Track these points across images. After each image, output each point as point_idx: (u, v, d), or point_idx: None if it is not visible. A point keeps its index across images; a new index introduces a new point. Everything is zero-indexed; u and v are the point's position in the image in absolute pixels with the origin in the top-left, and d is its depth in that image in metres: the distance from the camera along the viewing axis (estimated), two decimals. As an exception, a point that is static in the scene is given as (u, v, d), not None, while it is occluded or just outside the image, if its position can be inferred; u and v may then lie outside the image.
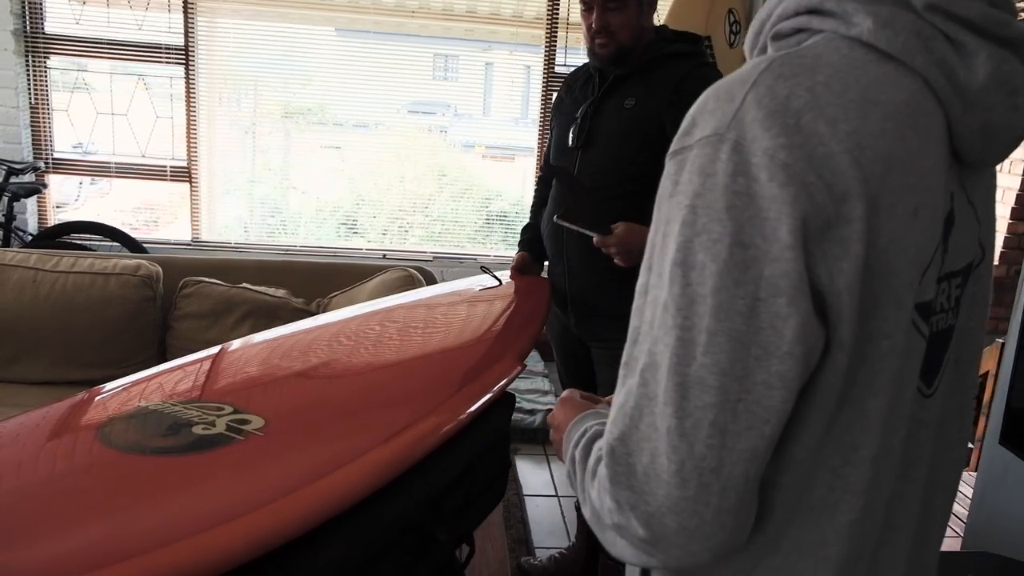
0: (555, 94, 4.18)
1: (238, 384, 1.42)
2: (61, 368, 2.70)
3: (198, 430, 1.18)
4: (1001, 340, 2.75)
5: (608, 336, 2.16)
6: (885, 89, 0.66)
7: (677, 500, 0.63)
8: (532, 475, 3.18)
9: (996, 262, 2.65)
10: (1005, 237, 4.17)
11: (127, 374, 2.66)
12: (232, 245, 4.20)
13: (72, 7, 3.83)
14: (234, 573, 0.95)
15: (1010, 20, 0.68)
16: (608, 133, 2.09)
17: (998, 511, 2.24)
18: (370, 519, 1.16)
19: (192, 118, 4.00)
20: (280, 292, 2.88)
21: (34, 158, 3.98)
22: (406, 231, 4.43)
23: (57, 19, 3.86)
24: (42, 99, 3.94)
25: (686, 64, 2.05)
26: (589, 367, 2.27)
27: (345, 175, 4.46)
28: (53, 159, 4.04)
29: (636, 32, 2.06)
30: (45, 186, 4.01)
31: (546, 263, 2.31)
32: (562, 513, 2.91)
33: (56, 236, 3.88)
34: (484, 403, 1.47)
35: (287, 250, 4.21)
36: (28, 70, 3.89)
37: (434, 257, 4.25)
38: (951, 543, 2.67)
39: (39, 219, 4.15)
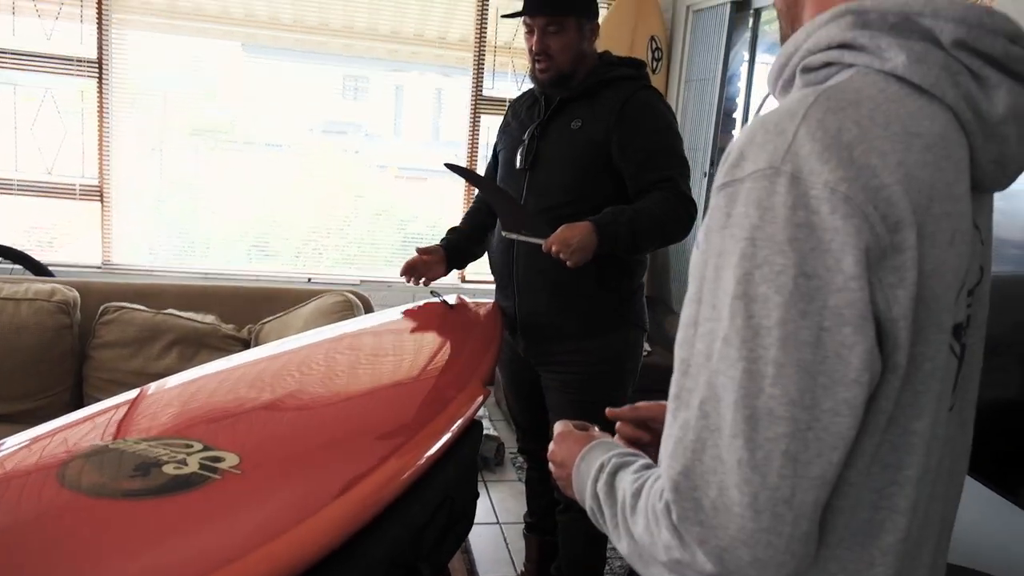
0: (483, 116, 4.21)
1: (201, 418, 1.34)
2: (-33, 401, 2.50)
3: (169, 469, 1.10)
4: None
5: (558, 360, 2.17)
6: (922, 122, 0.68)
7: (752, 532, 0.63)
8: (470, 502, 3.13)
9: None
10: None
11: (41, 407, 2.53)
12: (146, 269, 3.99)
13: (-28, 14, 3.59)
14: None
15: None
16: (555, 153, 2.11)
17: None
18: (358, 557, 1.11)
19: (104, 134, 3.80)
20: (208, 318, 2.75)
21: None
22: (320, 253, 4.33)
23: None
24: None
25: (629, 87, 2.10)
26: (539, 391, 2.26)
27: (257, 195, 4.32)
28: (-54, 176, 3.76)
29: (576, 56, 2.10)
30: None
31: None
32: (505, 541, 2.87)
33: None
34: (457, 431, 1.44)
35: (206, 274, 4.04)
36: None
37: (361, 281, 4.16)
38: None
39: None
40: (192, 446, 1.19)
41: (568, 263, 1.88)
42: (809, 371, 0.63)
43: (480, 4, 4.09)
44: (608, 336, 2.13)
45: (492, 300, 2.29)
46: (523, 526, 2.54)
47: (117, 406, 1.41)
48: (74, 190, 3.84)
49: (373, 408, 1.47)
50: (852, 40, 0.72)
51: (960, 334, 0.74)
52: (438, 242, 2.35)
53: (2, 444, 1.23)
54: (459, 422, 1.46)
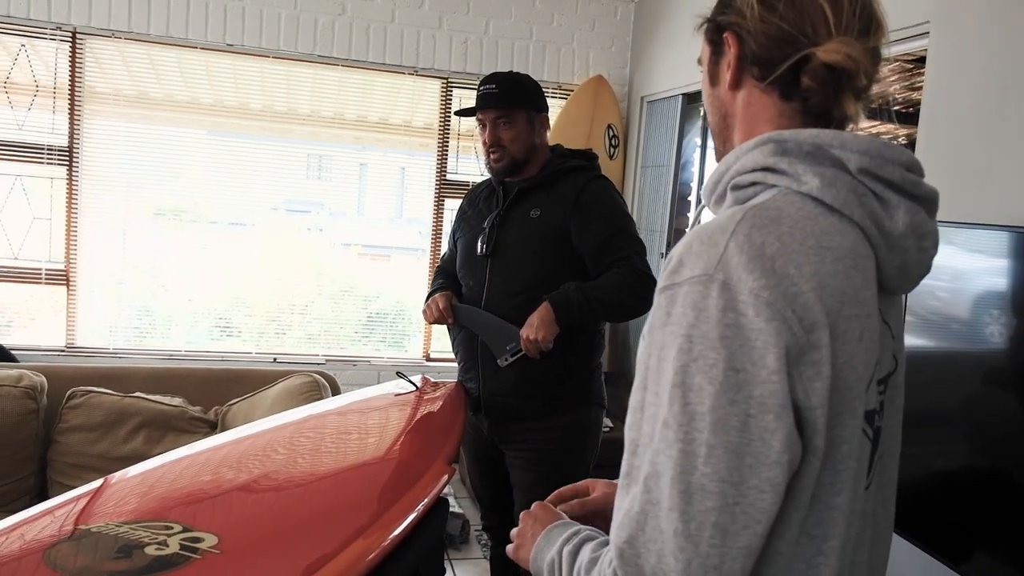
0: (447, 200, 4.35)
1: (177, 501, 1.39)
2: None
3: (151, 551, 1.16)
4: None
5: (522, 438, 2.24)
6: (834, 237, 0.80)
7: None
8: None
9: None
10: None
11: (4, 493, 2.51)
12: (110, 351, 4.00)
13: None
14: None
15: (920, 182, 0.86)
16: (516, 241, 2.24)
17: None
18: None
19: (72, 220, 3.86)
20: (176, 400, 2.79)
21: None
22: (284, 332, 4.36)
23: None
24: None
25: (582, 177, 2.25)
26: (502, 469, 2.32)
27: (220, 274, 4.36)
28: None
29: (527, 146, 2.26)
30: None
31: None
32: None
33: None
34: (423, 509, 1.51)
35: (169, 355, 4.06)
36: None
37: (327, 360, 4.20)
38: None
39: None
40: (172, 527, 1.24)
41: (542, 346, 2.04)
42: (737, 452, 0.72)
43: (444, 93, 4.28)
44: (570, 414, 2.23)
45: (455, 380, 2.36)
46: (488, 604, 2.55)
47: (95, 490, 1.45)
48: (40, 274, 3.87)
49: (342, 488, 1.53)
50: (774, 165, 0.84)
51: (873, 419, 0.85)
52: (432, 291, 2.39)
53: None
54: (425, 500, 1.53)
